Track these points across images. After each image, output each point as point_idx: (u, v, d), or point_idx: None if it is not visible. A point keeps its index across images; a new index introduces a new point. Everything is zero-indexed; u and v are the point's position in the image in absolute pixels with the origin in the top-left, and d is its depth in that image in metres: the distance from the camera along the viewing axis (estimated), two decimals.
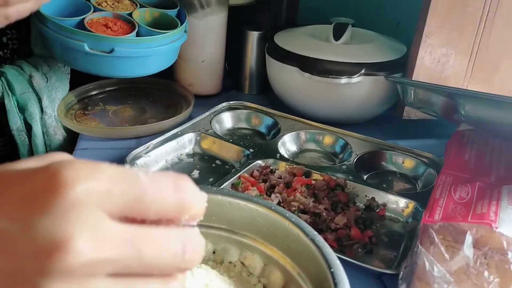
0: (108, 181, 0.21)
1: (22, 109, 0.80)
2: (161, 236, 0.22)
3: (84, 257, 0.19)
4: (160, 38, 0.79)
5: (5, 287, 0.19)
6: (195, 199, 0.23)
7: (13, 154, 0.87)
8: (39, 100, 0.81)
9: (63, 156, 0.24)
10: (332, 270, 0.37)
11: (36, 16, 0.76)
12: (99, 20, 0.78)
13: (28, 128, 0.81)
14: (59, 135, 0.85)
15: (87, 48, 0.73)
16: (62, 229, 0.19)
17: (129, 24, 0.80)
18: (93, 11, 0.79)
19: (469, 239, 0.41)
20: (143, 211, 0.22)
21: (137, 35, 0.79)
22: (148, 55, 0.79)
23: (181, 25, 0.84)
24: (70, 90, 0.91)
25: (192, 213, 0.23)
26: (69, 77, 0.91)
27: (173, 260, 0.22)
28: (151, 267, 0.21)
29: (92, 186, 0.20)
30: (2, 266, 0.19)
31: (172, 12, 0.87)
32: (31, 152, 0.84)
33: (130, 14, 0.81)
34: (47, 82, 0.84)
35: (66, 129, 0.87)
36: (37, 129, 0.81)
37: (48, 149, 0.85)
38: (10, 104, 0.78)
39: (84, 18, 0.76)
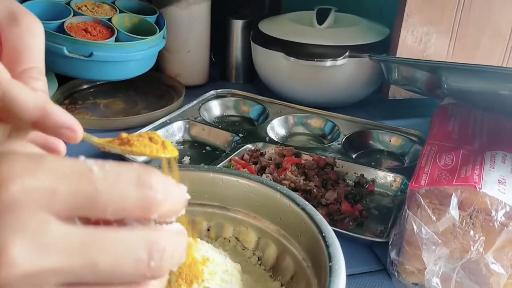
0: (52, 177, 0.18)
1: None
2: (120, 240, 0.18)
3: (21, 268, 0.16)
4: (138, 44, 0.81)
5: None
6: (164, 195, 0.20)
7: None
8: None
9: (21, 145, 0.21)
10: (323, 234, 0.38)
11: None
12: (79, 24, 0.79)
13: None
14: None
15: (66, 52, 0.74)
16: None
17: (109, 29, 0.81)
18: (73, 15, 0.80)
19: (454, 201, 0.42)
20: (97, 211, 0.18)
21: (116, 40, 0.80)
22: (126, 60, 0.81)
23: (159, 31, 0.85)
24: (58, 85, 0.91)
25: (163, 211, 0.20)
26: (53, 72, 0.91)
27: (135, 268, 0.19)
28: (108, 277, 0.18)
29: (31, 183, 0.17)
30: None
31: (151, 19, 0.89)
32: None
33: (109, 19, 0.83)
34: None
35: None
36: None
37: None
38: None
39: (64, 21, 0.77)
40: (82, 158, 0.19)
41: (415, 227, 0.42)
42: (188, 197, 0.22)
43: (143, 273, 0.19)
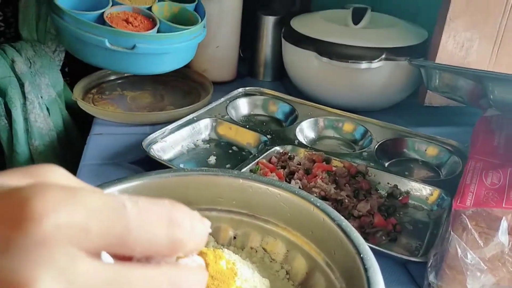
0: (86, 214, 0.18)
1: (2, 93, 0.78)
2: (145, 279, 0.19)
3: None
4: (182, 34, 0.77)
5: None
6: (192, 234, 0.20)
7: None
8: (21, 85, 0.80)
9: (51, 171, 0.20)
10: (362, 255, 0.35)
11: (52, 9, 0.74)
12: (119, 14, 0.76)
13: (10, 113, 0.80)
14: (39, 122, 0.83)
15: (108, 44, 0.71)
16: (25, 271, 0.16)
17: (150, 19, 0.78)
18: (112, 5, 0.77)
19: (504, 225, 0.39)
20: (125, 249, 0.19)
21: (158, 31, 0.76)
22: (169, 51, 0.78)
23: (201, 19, 0.82)
24: (72, 78, 0.89)
25: (187, 250, 0.21)
26: (60, 63, 0.89)
27: None
28: None
29: (64, 220, 0.17)
30: None
31: (190, 7, 0.85)
32: (11, 138, 0.82)
33: (149, 9, 0.79)
34: (30, 67, 0.82)
35: (63, 116, 0.85)
36: (16, 114, 0.79)
37: (29, 135, 0.83)
38: None
39: (103, 12, 0.74)
40: (116, 193, 0.18)
41: (459, 251, 0.39)
42: (210, 231, 0.22)
43: None
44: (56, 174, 0.20)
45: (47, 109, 0.85)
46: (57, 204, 0.17)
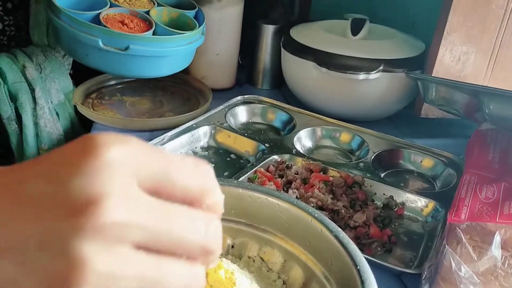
0: (137, 149, 0.20)
1: (13, 98, 0.79)
2: (186, 213, 0.21)
3: (115, 216, 0.19)
4: (177, 38, 0.77)
5: (36, 251, 0.18)
6: (215, 185, 0.23)
7: (6, 142, 0.86)
8: (32, 91, 0.80)
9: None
10: (358, 267, 0.36)
11: (49, 7, 0.74)
12: (115, 16, 0.76)
13: (20, 117, 0.80)
14: (49, 127, 0.83)
15: (101, 44, 0.71)
16: (95, 187, 0.19)
17: (146, 22, 0.78)
18: (110, 6, 0.76)
19: (497, 239, 0.40)
20: (169, 186, 0.21)
21: (154, 34, 0.76)
22: (163, 55, 0.77)
23: (199, 27, 0.82)
24: (76, 80, 0.90)
25: (211, 201, 0.23)
26: (69, 67, 0.90)
27: (197, 238, 0.21)
28: (177, 243, 0.21)
29: (124, 150, 0.20)
30: (35, 228, 0.19)
31: (190, 13, 0.85)
32: (21, 142, 0.83)
33: (147, 12, 0.79)
34: (41, 72, 0.82)
35: (72, 120, 0.85)
36: (27, 119, 0.80)
37: (39, 140, 0.83)
38: (1, 93, 0.77)
39: (100, 13, 0.74)
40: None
41: (453, 264, 0.40)
42: (223, 196, 0.24)
43: (201, 245, 0.21)
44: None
45: (57, 113, 0.85)
46: (113, 140, 0.20)
